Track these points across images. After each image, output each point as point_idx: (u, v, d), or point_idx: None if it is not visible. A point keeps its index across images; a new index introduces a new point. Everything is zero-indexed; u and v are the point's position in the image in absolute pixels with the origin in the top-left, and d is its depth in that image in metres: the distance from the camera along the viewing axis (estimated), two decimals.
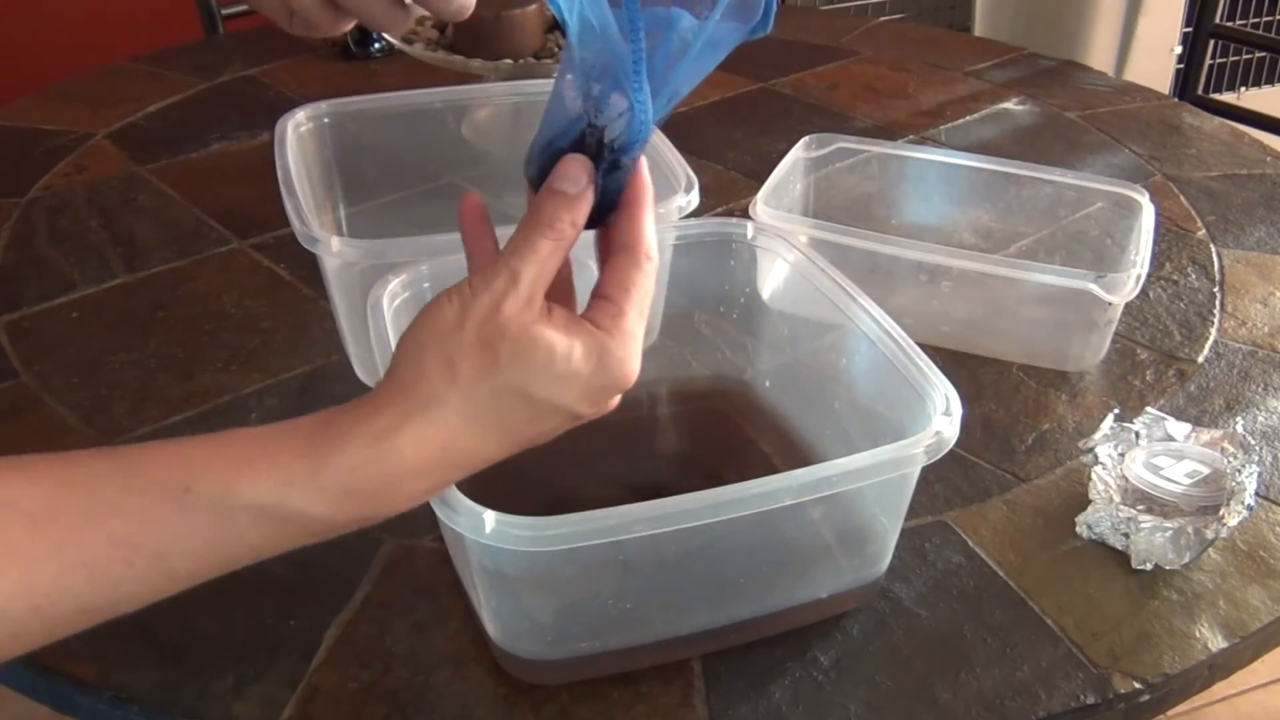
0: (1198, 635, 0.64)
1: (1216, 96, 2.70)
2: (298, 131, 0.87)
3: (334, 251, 0.72)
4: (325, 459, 0.46)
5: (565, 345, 0.48)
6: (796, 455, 0.72)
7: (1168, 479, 0.70)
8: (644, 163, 0.51)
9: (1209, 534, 0.66)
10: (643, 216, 0.51)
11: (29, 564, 0.42)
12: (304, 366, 0.84)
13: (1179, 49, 2.55)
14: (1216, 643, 0.64)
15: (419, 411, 0.47)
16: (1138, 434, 0.73)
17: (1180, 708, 0.72)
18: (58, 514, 0.43)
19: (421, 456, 0.47)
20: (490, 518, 0.50)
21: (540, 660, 0.60)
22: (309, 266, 0.89)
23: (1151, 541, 0.67)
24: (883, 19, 1.70)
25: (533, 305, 0.48)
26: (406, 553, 0.68)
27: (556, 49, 1.09)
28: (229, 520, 0.45)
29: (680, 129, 0.79)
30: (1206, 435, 0.74)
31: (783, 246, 0.72)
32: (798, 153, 0.94)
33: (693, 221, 0.75)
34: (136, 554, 0.43)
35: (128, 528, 0.43)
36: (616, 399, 0.51)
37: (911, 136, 1.22)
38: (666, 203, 0.75)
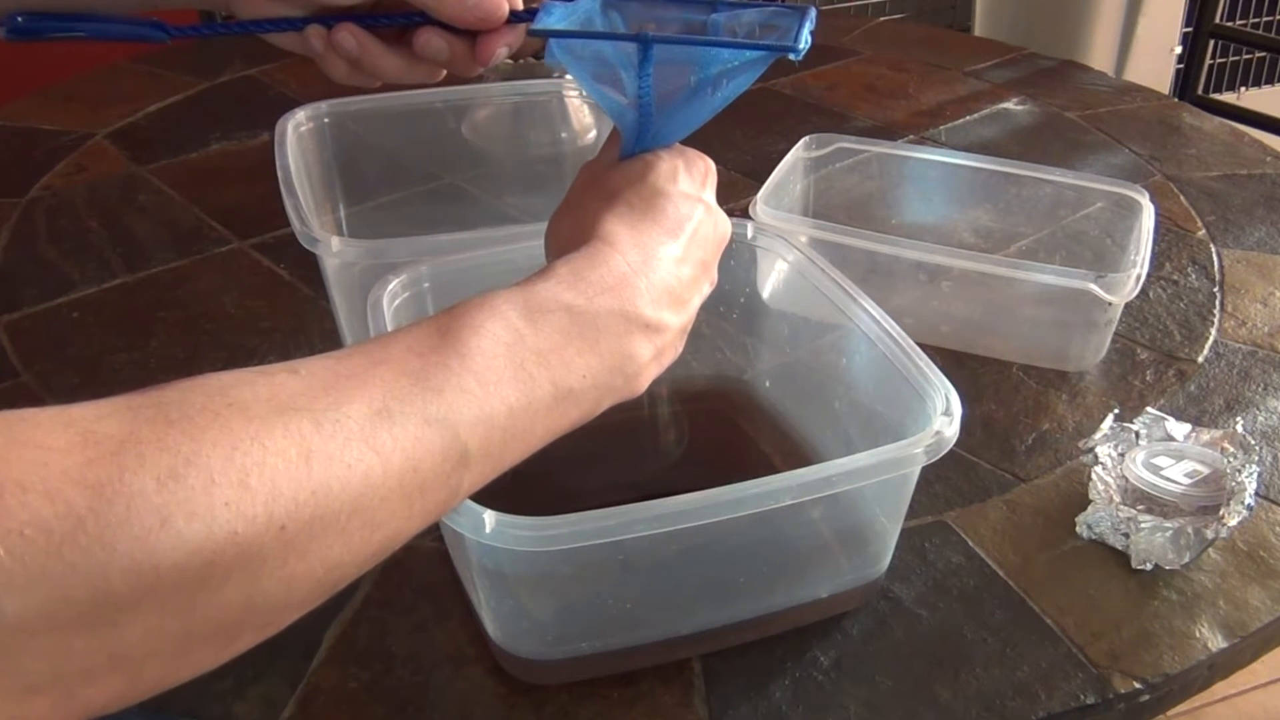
0: (1198, 635, 0.64)
1: (1216, 96, 2.70)
2: (298, 131, 0.87)
3: (334, 251, 0.72)
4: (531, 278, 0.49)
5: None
6: (796, 455, 0.71)
7: (1168, 479, 0.70)
8: None
9: (1209, 534, 0.66)
10: None
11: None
12: None
13: (1179, 49, 2.55)
14: (1216, 643, 0.64)
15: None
16: (1138, 434, 0.73)
17: (1180, 708, 0.72)
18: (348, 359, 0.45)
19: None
20: (490, 518, 0.50)
21: (540, 660, 0.60)
22: (309, 266, 0.89)
23: (1151, 541, 0.67)
24: (883, 19, 1.70)
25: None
26: (406, 553, 0.67)
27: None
28: (495, 313, 0.46)
29: None
30: (1206, 435, 0.74)
31: (783, 246, 0.72)
32: (798, 153, 0.94)
33: None
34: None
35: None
36: (712, 186, 0.57)
37: (911, 136, 1.22)
38: None
